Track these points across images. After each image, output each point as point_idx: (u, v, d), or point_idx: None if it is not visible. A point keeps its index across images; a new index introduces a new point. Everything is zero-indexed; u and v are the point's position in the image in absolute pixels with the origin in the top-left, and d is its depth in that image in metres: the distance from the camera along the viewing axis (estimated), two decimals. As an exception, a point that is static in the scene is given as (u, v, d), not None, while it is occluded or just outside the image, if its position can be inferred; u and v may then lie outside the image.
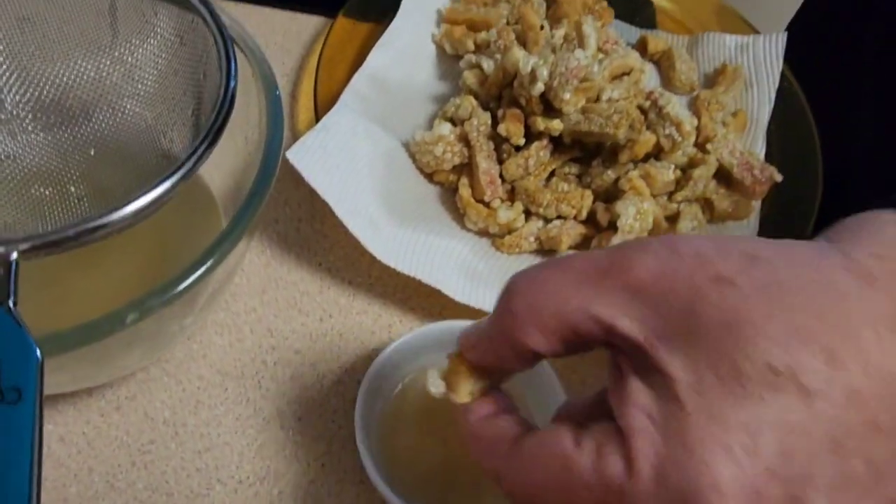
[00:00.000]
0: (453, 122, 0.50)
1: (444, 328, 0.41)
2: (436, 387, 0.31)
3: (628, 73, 0.53)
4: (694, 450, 0.23)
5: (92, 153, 0.43)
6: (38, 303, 0.40)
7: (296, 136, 0.52)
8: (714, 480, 0.22)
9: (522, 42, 0.52)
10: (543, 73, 0.46)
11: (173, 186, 0.34)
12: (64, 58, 0.42)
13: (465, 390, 0.30)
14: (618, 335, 0.25)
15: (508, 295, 0.28)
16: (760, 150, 0.54)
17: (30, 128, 0.43)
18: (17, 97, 0.42)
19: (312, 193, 0.43)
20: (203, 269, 0.33)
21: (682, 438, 0.23)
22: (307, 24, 0.58)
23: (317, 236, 0.48)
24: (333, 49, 0.54)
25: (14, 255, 0.31)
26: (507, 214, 0.46)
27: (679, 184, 0.49)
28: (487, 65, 0.51)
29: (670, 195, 0.49)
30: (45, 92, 0.42)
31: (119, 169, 0.43)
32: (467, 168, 0.48)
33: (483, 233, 0.47)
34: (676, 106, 0.49)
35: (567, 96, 0.46)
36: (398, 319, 0.46)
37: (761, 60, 0.57)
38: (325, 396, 0.43)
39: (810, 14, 0.75)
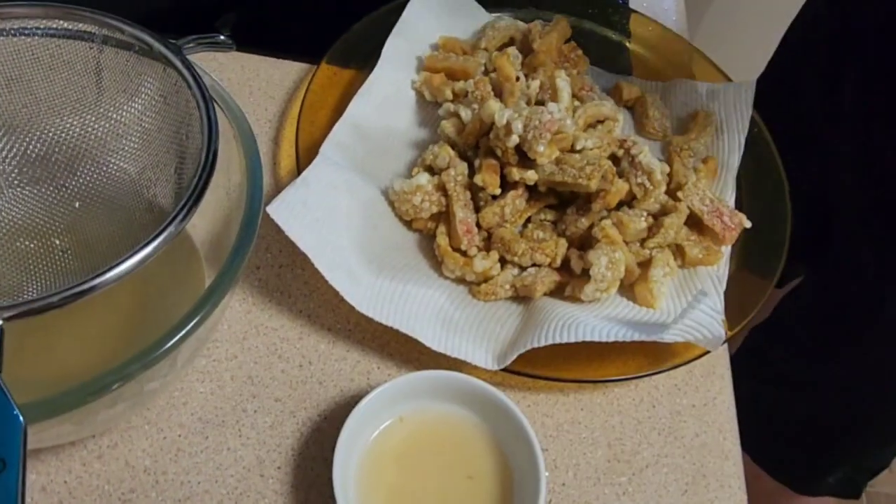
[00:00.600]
0: (431, 170, 0.52)
1: (421, 378, 0.42)
2: None
3: (603, 121, 0.55)
4: None
5: (77, 206, 0.44)
6: (24, 352, 0.41)
7: (277, 182, 0.54)
8: None
9: (499, 92, 0.54)
10: (518, 125, 0.48)
11: (157, 248, 0.35)
12: (51, 115, 0.43)
13: None
14: None
15: None
16: (731, 195, 0.55)
17: (16, 182, 0.44)
18: (4, 152, 0.43)
19: (293, 240, 0.45)
20: (184, 331, 0.34)
21: None
22: (290, 70, 0.59)
23: (297, 282, 0.49)
24: (316, 95, 0.55)
25: (-1, 323, 0.32)
26: (483, 263, 0.47)
27: (651, 231, 0.51)
28: (465, 114, 0.52)
29: (643, 242, 0.51)
30: (31, 147, 0.44)
31: (103, 222, 0.44)
32: (445, 216, 0.50)
33: (460, 280, 0.49)
34: (648, 155, 0.51)
35: (541, 149, 0.48)
36: (376, 366, 0.47)
37: (732, 107, 0.58)
38: (305, 444, 0.44)
39: (785, 60, 0.77)
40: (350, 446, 0.41)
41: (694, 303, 0.43)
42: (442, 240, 0.49)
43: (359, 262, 0.46)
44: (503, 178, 0.50)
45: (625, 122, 0.59)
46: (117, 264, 0.34)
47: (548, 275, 0.48)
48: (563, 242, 0.49)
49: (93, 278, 0.33)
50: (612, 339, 0.42)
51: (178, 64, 0.40)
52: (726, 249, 0.52)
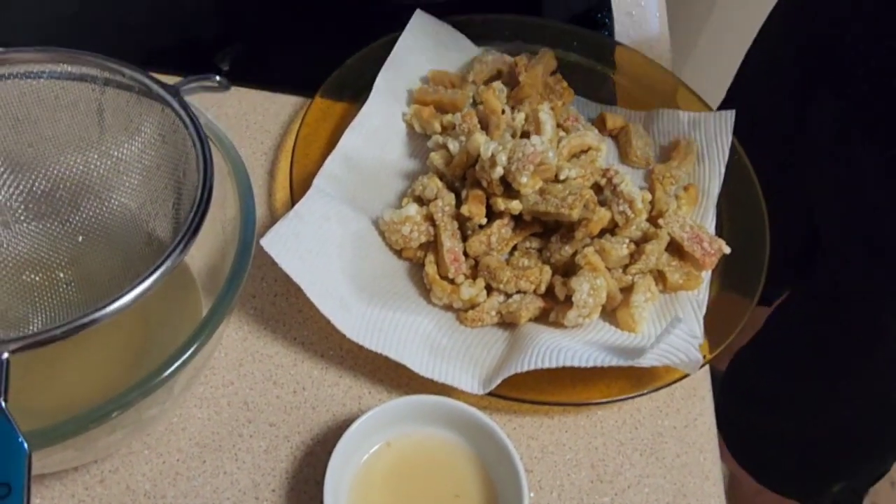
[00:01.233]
0: (421, 200, 0.54)
1: (407, 403, 0.44)
2: None
3: (587, 151, 0.57)
4: None
5: (80, 240, 0.46)
6: (30, 381, 0.43)
7: (273, 213, 0.56)
8: None
9: (485, 125, 0.56)
10: (502, 158, 0.50)
11: (155, 282, 0.37)
12: (55, 153, 0.45)
13: None
14: None
15: None
16: (711, 221, 0.57)
17: (22, 217, 0.46)
18: (11, 189, 0.45)
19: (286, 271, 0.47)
20: (179, 361, 0.36)
21: None
22: (286, 104, 0.62)
23: (292, 310, 0.51)
24: (310, 128, 0.58)
25: (5, 355, 0.33)
26: (470, 291, 0.49)
27: (633, 257, 0.53)
28: (453, 146, 0.55)
29: (625, 268, 0.53)
30: (37, 184, 0.46)
31: (105, 255, 0.46)
32: (433, 245, 0.52)
33: (448, 307, 0.50)
34: (629, 184, 0.53)
35: (524, 180, 0.50)
36: (367, 391, 0.49)
37: (712, 136, 0.60)
38: (298, 468, 0.45)
39: (749, 81, 0.80)
40: (340, 470, 0.42)
41: (669, 328, 0.45)
42: (430, 268, 0.50)
43: (350, 291, 0.48)
44: (489, 207, 0.52)
45: (609, 150, 0.61)
46: (118, 298, 0.36)
47: (532, 301, 0.50)
48: (547, 270, 0.51)
49: (94, 311, 0.35)
50: (591, 364, 0.44)
51: (176, 105, 0.42)
52: (706, 274, 0.54)
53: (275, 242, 0.46)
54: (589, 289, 0.49)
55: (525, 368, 0.45)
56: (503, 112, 0.56)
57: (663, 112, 0.62)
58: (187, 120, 0.42)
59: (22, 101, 0.44)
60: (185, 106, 0.42)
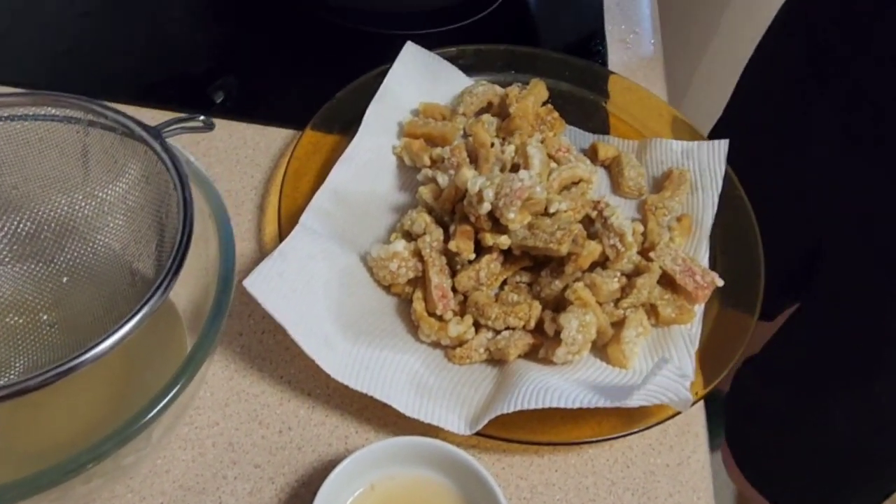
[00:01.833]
0: (410, 235, 0.53)
1: (391, 445, 0.43)
2: None
3: (578, 183, 0.57)
4: None
5: (64, 281, 0.46)
6: (13, 424, 0.43)
7: (262, 249, 0.55)
8: None
9: (474, 158, 0.56)
10: (489, 193, 0.50)
11: (137, 325, 0.37)
12: (40, 194, 0.45)
13: None
14: None
15: None
16: (704, 253, 0.57)
17: (7, 259, 0.46)
18: (-5, 231, 0.45)
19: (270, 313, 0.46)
20: (154, 411, 0.35)
21: None
22: (276, 136, 0.62)
23: (279, 348, 0.51)
24: (299, 162, 0.57)
25: (-22, 407, 0.33)
26: (458, 329, 0.49)
27: (625, 291, 0.52)
28: (442, 180, 0.54)
29: (616, 301, 0.52)
30: (21, 225, 0.46)
31: (89, 295, 0.46)
32: (422, 281, 0.51)
33: (436, 344, 0.50)
34: (620, 217, 0.52)
35: (511, 215, 0.49)
36: (354, 430, 0.48)
37: (706, 165, 0.60)
38: (283, 510, 0.45)
39: (747, 98, 0.79)
40: (326, 511, 0.42)
41: (656, 369, 0.44)
42: (418, 305, 0.50)
43: (335, 330, 0.47)
44: (478, 242, 0.52)
45: (601, 181, 0.61)
46: (98, 343, 0.36)
47: (521, 338, 0.50)
48: (536, 305, 0.51)
49: (75, 358, 0.35)
50: (577, 405, 0.43)
51: (158, 147, 0.42)
52: (699, 308, 0.53)
53: (258, 283, 0.45)
54: (578, 325, 0.48)
55: (512, 409, 0.44)
56: (492, 145, 0.56)
57: (656, 141, 0.62)
58: (169, 163, 0.42)
59: (7, 143, 0.44)
60: (166, 148, 0.42)
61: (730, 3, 1.33)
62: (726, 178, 0.59)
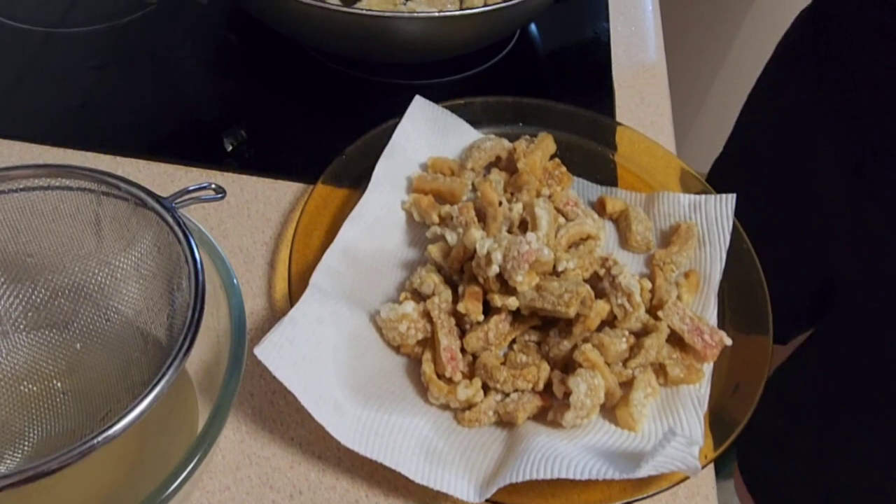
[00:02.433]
0: (418, 294, 0.53)
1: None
2: None
3: (586, 239, 0.57)
4: None
5: (77, 348, 0.47)
6: (22, 499, 0.43)
7: (273, 307, 0.56)
8: None
9: (482, 215, 0.56)
10: (497, 256, 0.50)
11: (143, 412, 0.37)
12: (54, 262, 0.46)
13: None
14: None
15: None
16: (713, 308, 0.57)
17: (21, 326, 0.46)
18: (11, 299, 0.46)
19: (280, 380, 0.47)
20: (170, 489, 0.36)
21: None
22: (287, 191, 0.62)
23: (290, 409, 0.51)
24: (310, 217, 0.58)
25: (-7, 495, 0.34)
26: (466, 392, 0.49)
27: (633, 351, 0.52)
28: (451, 238, 0.55)
29: (625, 362, 0.52)
30: (36, 293, 0.46)
31: (102, 362, 0.46)
32: (431, 342, 0.52)
33: (445, 406, 0.50)
34: (628, 276, 0.52)
35: (519, 278, 0.49)
36: (365, 494, 0.48)
37: (713, 219, 0.60)
38: (292, 578, 0.45)
39: (750, 129, 0.79)
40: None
41: (664, 441, 0.44)
42: (427, 367, 0.50)
43: (344, 395, 0.47)
44: (487, 302, 0.52)
45: (610, 234, 0.61)
46: (116, 422, 0.36)
47: (530, 400, 0.50)
48: (545, 367, 0.51)
49: (95, 437, 0.35)
50: (585, 476, 0.43)
51: (170, 220, 0.43)
52: (707, 367, 0.53)
53: (269, 351, 0.46)
54: (586, 389, 0.48)
55: (520, 479, 0.44)
56: (500, 203, 0.56)
57: (664, 195, 0.62)
58: (181, 236, 0.42)
59: (21, 213, 0.45)
60: (178, 221, 0.43)
61: (737, 34, 1.34)
62: (734, 232, 0.60)
